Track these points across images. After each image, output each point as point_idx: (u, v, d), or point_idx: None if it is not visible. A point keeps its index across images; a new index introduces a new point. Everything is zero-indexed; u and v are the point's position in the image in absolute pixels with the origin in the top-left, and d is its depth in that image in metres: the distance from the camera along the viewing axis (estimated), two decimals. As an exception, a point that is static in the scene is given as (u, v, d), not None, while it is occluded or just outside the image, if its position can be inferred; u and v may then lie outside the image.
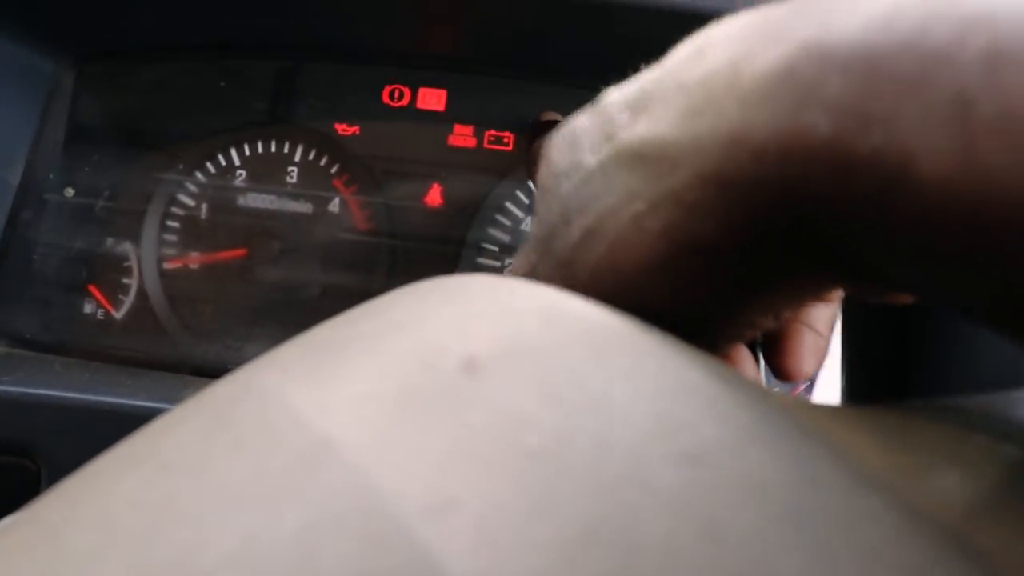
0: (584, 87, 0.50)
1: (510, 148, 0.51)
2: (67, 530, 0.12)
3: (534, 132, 0.49)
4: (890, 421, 0.15)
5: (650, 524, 0.11)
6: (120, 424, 0.35)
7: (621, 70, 0.48)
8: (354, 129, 0.52)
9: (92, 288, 0.52)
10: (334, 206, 0.52)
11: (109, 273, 0.52)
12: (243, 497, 0.12)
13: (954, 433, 0.15)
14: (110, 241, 0.52)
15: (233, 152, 0.53)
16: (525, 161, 0.50)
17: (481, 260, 0.51)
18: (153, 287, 0.52)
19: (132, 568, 0.11)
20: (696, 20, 0.39)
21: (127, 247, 0.52)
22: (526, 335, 0.14)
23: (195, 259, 0.52)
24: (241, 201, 0.52)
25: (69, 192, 0.52)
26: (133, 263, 0.52)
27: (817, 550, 0.11)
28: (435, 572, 0.10)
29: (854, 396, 0.47)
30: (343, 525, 0.11)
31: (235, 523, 0.11)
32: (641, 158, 0.17)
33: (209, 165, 0.53)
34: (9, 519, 0.14)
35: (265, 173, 0.52)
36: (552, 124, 0.48)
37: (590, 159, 0.18)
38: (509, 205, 0.51)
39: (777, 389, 0.29)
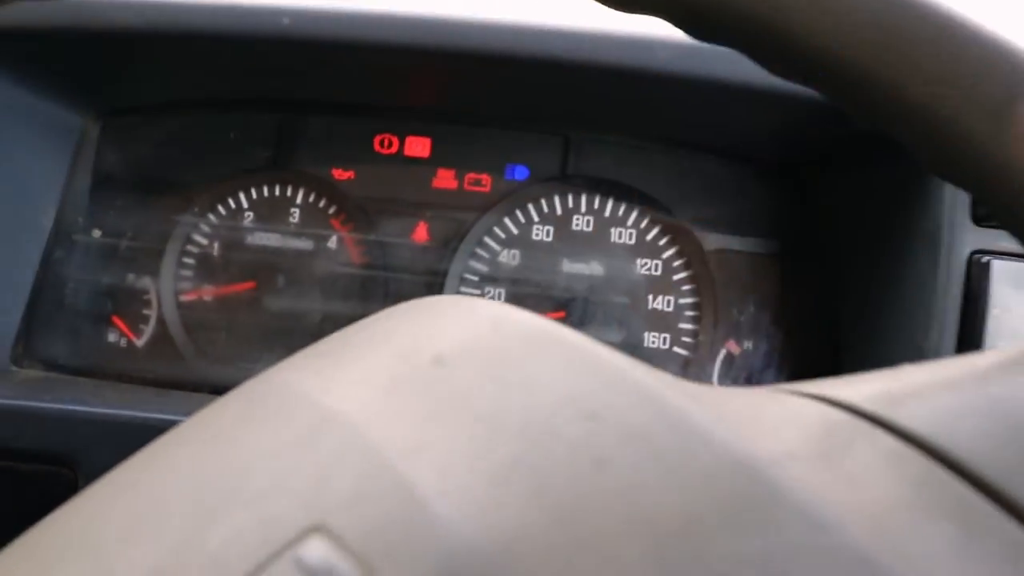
0: (549, 133, 0.57)
1: (487, 189, 0.58)
2: (145, 482, 0.19)
3: None
4: (736, 397, 0.22)
5: (559, 458, 0.17)
6: (149, 436, 0.41)
7: (580, 119, 0.55)
8: (349, 174, 0.59)
9: (116, 319, 0.58)
10: (332, 243, 0.58)
11: (132, 305, 0.58)
12: (273, 452, 0.18)
13: (789, 405, 0.21)
14: (132, 276, 0.59)
15: (241, 196, 0.59)
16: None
17: (463, 289, 0.57)
18: (171, 317, 0.58)
19: (196, 498, 0.17)
20: (648, 79, 0.46)
21: (147, 282, 0.59)
22: (478, 337, 0.20)
23: (209, 291, 0.58)
24: (249, 240, 0.59)
25: (96, 233, 0.58)
26: (153, 296, 0.58)
27: (672, 474, 0.17)
28: (411, 493, 0.17)
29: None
30: (346, 465, 0.17)
31: (268, 469, 0.17)
32: None
33: (220, 208, 0.59)
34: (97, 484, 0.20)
35: (270, 214, 0.59)
36: None
37: None
38: (487, 239, 0.58)
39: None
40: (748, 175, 0.56)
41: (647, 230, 0.56)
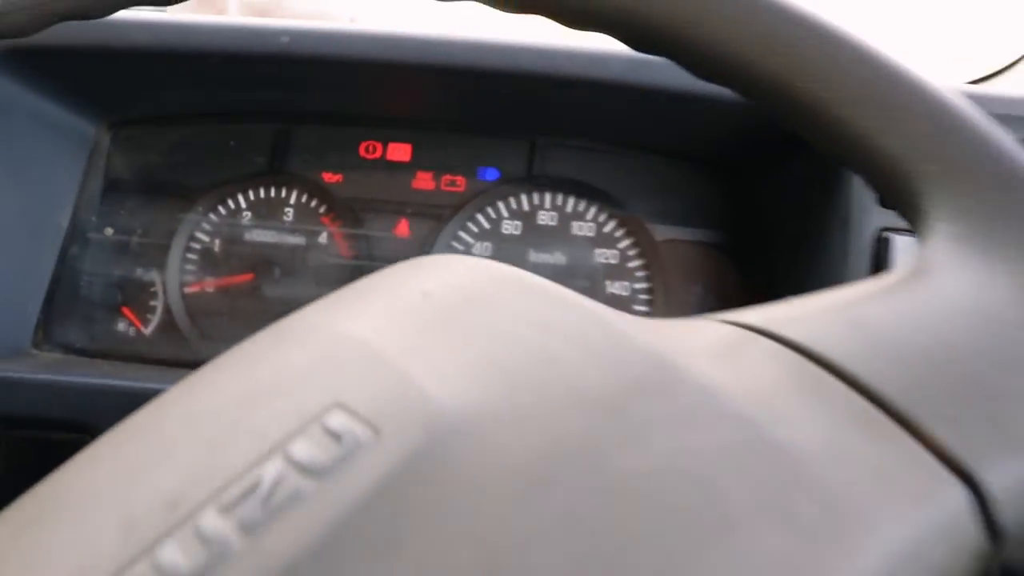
0: (516, 139, 0.64)
1: (462, 189, 0.64)
2: (179, 403, 0.24)
3: None
4: (662, 322, 0.28)
5: (518, 354, 0.23)
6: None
7: (544, 126, 0.62)
8: (337, 177, 0.65)
9: (125, 310, 0.64)
10: (323, 238, 0.65)
11: (140, 295, 0.64)
12: (295, 362, 0.24)
13: (700, 325, 0.28)
14: (140, 270, 0.65)
15: (240, 197, 0.65)
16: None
17: (441, 279, 0.64)
18: (176, 306, 0.64)
19: (230, 401, 0.23)
20: (602, 88, 0.53)
21: (154, 275, 0.65)
22: (458, 276, 0.27)
23: (211, 283, 0.64)
24: (247, 236, 0.65)
25: (108, 231, 0.65)
26: (159, 287, 0.64)
27: (606, 363, 0.22)
28: (407, 378, 0.22)
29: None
30: (356, 363, 0.23)
31: (293, 369, 0.23)
32: None
33: (220, 208, 0.65)
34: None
35: (266, 213, 0.65)
36: None
37: None
38: (462, 233, 0.64)
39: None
40: (694, 172, 0.63)
41: (605, 223, 0.63)
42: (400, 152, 0.66)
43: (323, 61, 0.57)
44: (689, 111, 0.56)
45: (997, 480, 0.22)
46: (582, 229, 0.63)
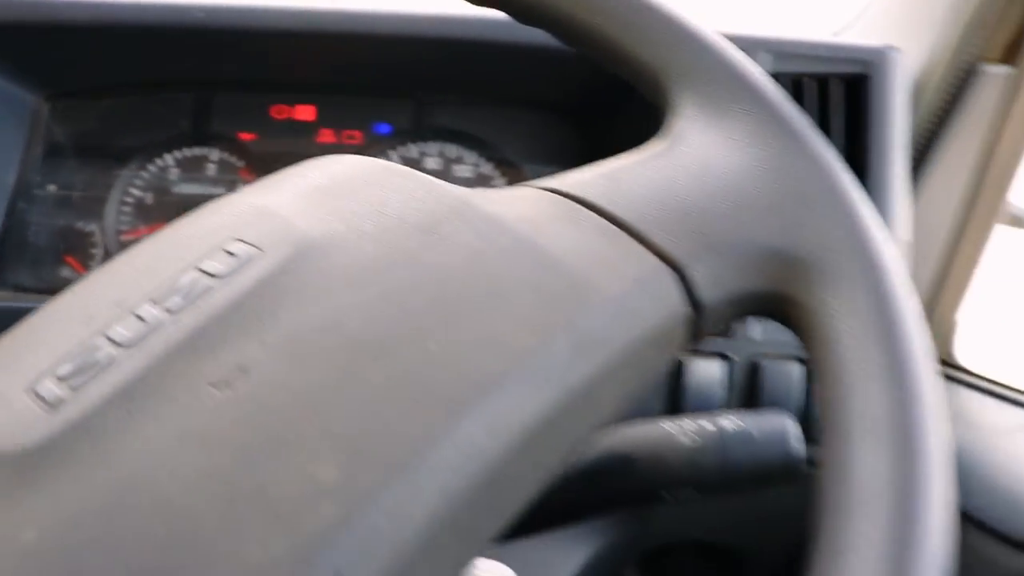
0: (404, 97, 0.75)
1: (360, 142, 0.75)
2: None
3: None
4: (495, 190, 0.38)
5: (368, 207, 0.28)
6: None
7: (427, 84, 0.73)
8: (252, 136, 0.76)
9: (68, 257, 0.74)
10: (241, 189, 0.75)
11: (82, 244, 0.74)
12: (213, 221, 0.30)
13: (516, 190, 0.39)
14: (81, 222, 0.74)
15: (167, 156, 0.75)
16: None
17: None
18: (115, 251, 0.74)
19: (160, 250, 0.31)
20: (470, 47, 0.64)
21: (94, 225, 0.74)
22: (335, 163, 0.32)
23: (144, 230, 0.74)
24: (175, 189, 0.75)
25: (51, 188, 0.74)
26: (98, 236, 0.74)
27: (434, 209, 0.29)
28: (286, 222, 0.27)
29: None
30: (250, 217, 0.29)
31: (207, 223, 0.30)
32: None
33: (150, 166, 0.75)
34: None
35: (191, 169, 0.75)
36: None
37: None
38: (362, 180, 0.75)
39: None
40: (555, 119, 0.74)
41: (481, 166, 0.75)
42: (306, 113, 0.76)
43: (234, 33, 0.67)
44: (543, 65, 0.68)
45: (698, 270, 0.31)
46: (462, 171, 0.74)
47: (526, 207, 0.32)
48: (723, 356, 0.63)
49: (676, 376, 0.63)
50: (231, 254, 0.28)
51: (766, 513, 0.76)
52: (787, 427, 0.41)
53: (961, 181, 0.79)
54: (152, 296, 0.27)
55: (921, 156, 0.79)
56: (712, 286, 0.31)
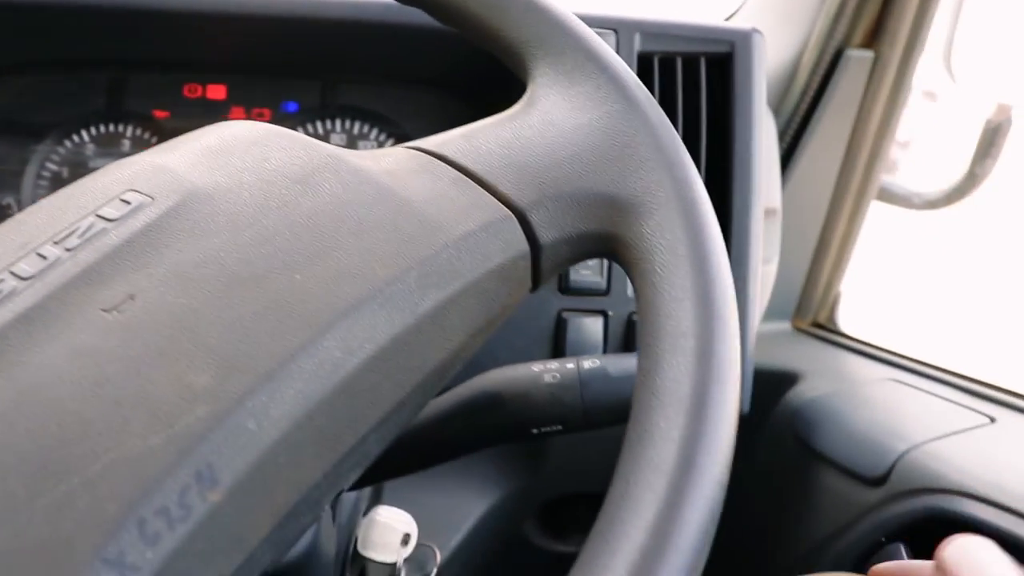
0: (311, 78, 0.79)
1: (268, 119, 0.79)
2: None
3: None
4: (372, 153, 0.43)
5: (251, 162, 0.32)
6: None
7: (331, 66, 0.77)
8: (166, 114, 0.79)
9: (-13, 229, 0.77)
10: (154, 162, 0.78)
11: (-1, 215, 0.77)
12: (114, 176, 0.33)
13: (387, 151, 0.43)
14: (-1, 195, 0.77)
15: (83, 132, 0.78)
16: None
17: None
18: (31, 222, 0.77)
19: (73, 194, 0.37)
20: (364, 29, 0.69)
21: (11, 199, 0.77)
22: (229, 127, 0.35)
23: (60, 202, 0.77)
24: (91, 164, 0.78)
25: (-31, 162, 0.77)
26: (15, 210, 0.77)
27: (308, 163, 0.33)
28: (177, 174, 0.31)
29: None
30: (146, 171, 0.31)
31: (109, 177, 0.33)
32: None
33: (67, 142, 0.78)
34: None
35: (106, 144, 0.78)
36: None
37: None
38: (270, 155, 0.79)
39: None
40: (451, 98, 0.79)
41: (384, 141, 0.79)
42: (217, 92, 0.80)
43: (149, 14, 0.71)
44: (439, 47, 0.72)
45: (538, 215, 0.35)
46: (366, 146, 0.79)
47: (391, 162, 0.36)
48: (602, 313, 0.68)
49: (559, 331, 0.68)
50: (126, 202, 0.31)
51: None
52: None
53: (835, 158, 0.86)
54: (54, 238, 0.30)
55: (796, 136, 0.85)
56: (550, 228, 0.36)
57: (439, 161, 0.36)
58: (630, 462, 0.29)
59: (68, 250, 0.29)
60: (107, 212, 0.31)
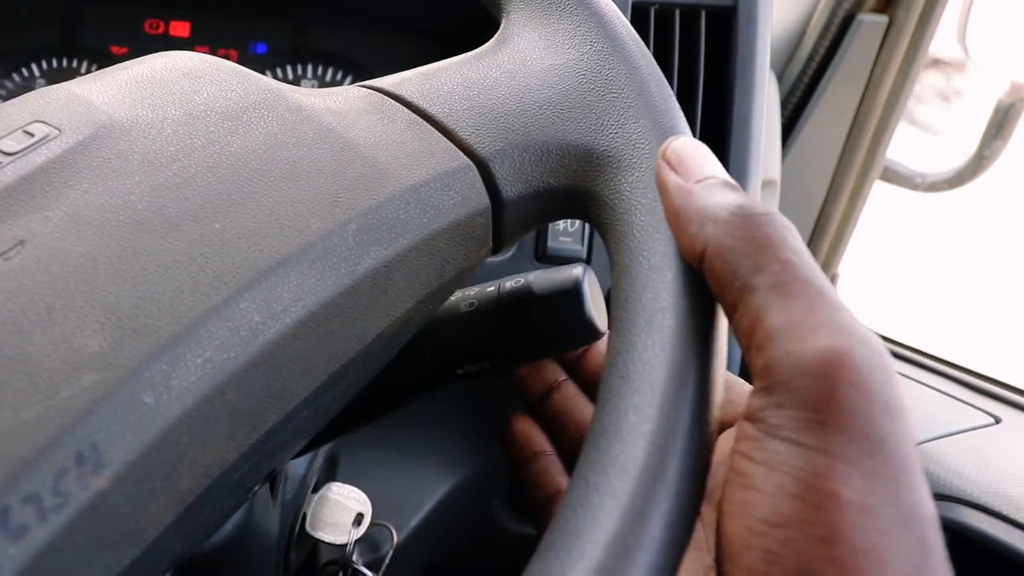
0: (282, 19, 0.73)
1: (235, 60, 0.74)
2: None
3: None
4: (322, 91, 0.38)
5: (179, 94, 0.29)
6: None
7: (305, 5, 0.72)
8: (124, 50, 0.74)
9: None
10: (109, 102, 0.73)
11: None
12: (23, 105, 0.29)
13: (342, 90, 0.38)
14: (-60, 130, 0.72)
15: (34, 66, 0.73)
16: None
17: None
18: (-26, 161, 0.71)
19: None
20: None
21: (-47, 135, 0.72)
22: (166, 61, 0.33)
23: (6, 141, 0.72)
24: (40, 101, 0.73)
25: (-93, 93, 0.71)
26: (-42, 146, 0.72)
27: (243, 98, 0.29)
28: (90, 104, 0.27)
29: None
30: (57, 102, 0.28)
31: (17, 106, 0.29)
32: None
33: (15, 75, 0.73)
34: None
35: (59, 80, 0.72)
36: None
37: None
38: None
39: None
40: (429, 45, 0.73)
41: (358, 90, 0.74)
42: (180, 29, 0.74)
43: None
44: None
45: (502, 166, 0.31)
46: (338, 95, 0.73)
47: (339, 101, 0.32)
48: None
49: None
50: (29, 134, 0.27)
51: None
52: (575, 278, 0.38)
53: (840, 129, 0.81)
54: None
55: (800, 104, 0.80)
56: (515, 181, 0.32)
57: (393, 101, 0.33)
58: (592, 460, 0.25)
59: None
60: (6, 144, 0.27)
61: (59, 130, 0.27)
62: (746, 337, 0.25)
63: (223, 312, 0.24)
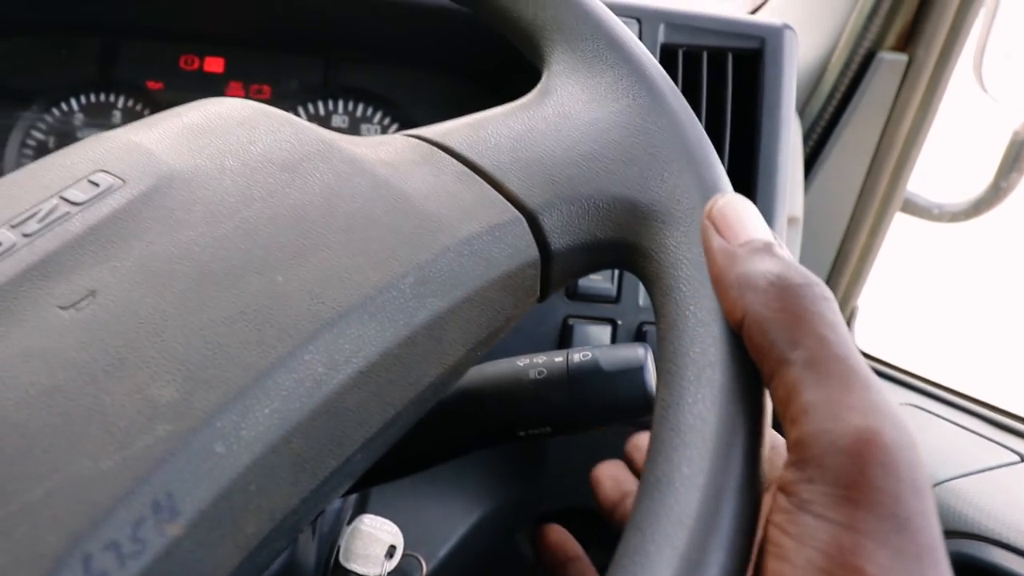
0: (314, 55, 0.75)
1: (268, 96, 0.75)
2: None
3: None
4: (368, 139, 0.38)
5: (236, 145, 0.30)
6: None
7: (336, 44, 0.73)
8: (159, 85, 0.75)
9: (-34, 198, 0.73)
10: (145, 137, 0.74)
11: (-21, 185, 0.73)
12: (84, 154, 0.30)
13: (388, 139, 0.39)
14: (-20, 163, 0.73)
15: (72, 101, 0.75)
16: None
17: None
18: (12, 193, 0.73)
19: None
20: (391, 10, 0.65)
21: (-7, 167, 0.74)
22: (216, 105, 0.33)
23: (44, 174, 0.74)
24: (79, 134, 0.74)
25: (-51, 126, 0.73)
26: (-3, 178, 0.73)
27: (297, 149, 0.31)
28: (152, 155, 0.29)
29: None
30: (118, 150, 0.29)
31: (79, 155, 0.30)
32: None
33: (54, 110, 0.74)
34: None
35: (96, 115, 0.74)
36: None
37: None
38: (268, 135, 0.75)
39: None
40: (459, 83, 0.75)
41: (388, 125, 0.75)
42: (215, 65, 0.76)
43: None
44: (451, 29, 0.68)
45: (550, 218, 0.32)
46: (369, 130, 0.75)
47: (389, 151, 0.33)
48: (610, 321, 0.64)
49: (564, 339, 0.64)
50: (94, 184, 0.28)
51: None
52: (640, 358, 0.40)
53: (861, 166, 0.82)
54: (11, 221, 0.27)
55: (821, 140, 0.81)
56: (563, 233, 0.32)
57: (443, 152, 0.33)
58: (646, 510, 0.25)
59: (26, 236, 0.26)
60: (72, 194, 0.28)
61: (123, 180, 0.29)
62: (781, 406, 0.26)
63: (289, 364, 0.25)
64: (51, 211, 0.27)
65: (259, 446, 0.24)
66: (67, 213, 0.27)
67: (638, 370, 0.39)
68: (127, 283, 0.26)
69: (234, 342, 0.25)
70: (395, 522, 0.56)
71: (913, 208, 0.95)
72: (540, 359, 0.41)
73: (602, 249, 0.33)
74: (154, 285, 0.26)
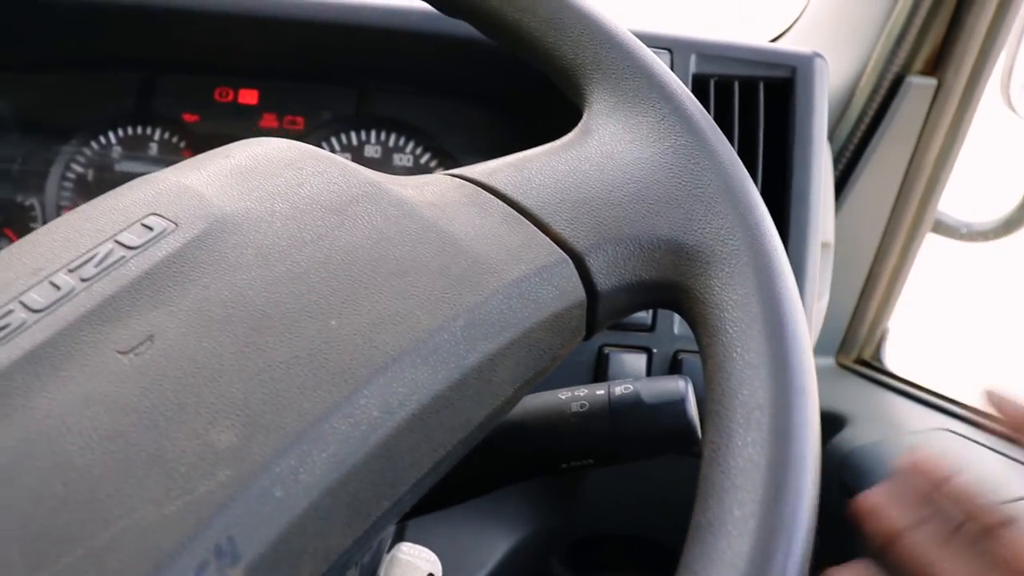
0: (346, 86, 0.76)
1: (301, 127, 0.76)
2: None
3: None
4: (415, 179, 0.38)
5: (284, 187, 0.31)
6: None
7: (369, 75, 0.74)
8: (195, 117, 0.77)
9: (7, 230, 0.74)
10: (182, 168, 0.76)
11: (21, 217, 0.74)
12: (135, 196, 0.30)
13: (434, 179, 0.40)
14: (21, 195, 0.75)
15: (110, 134, 0.76)
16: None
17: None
18: (53, 225, 0.74)
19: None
20: (425, 41, 0.66)
21: (34, 200, 0.75)
22: (259, 145, 0.33)
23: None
24: (117, 167, 0.75)
25: (-8, 161, 0.75)
26: (38, 210, 0.75)
27: (345, 192, 0.31)
28: (202, 198, 0.29)
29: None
30: (168, 193, 0.29)
31: (130, 197, 0.30)
32: None
33: (93, 143, 0.76)
34: None
35: (134, 147, 0.76)
36: None
37: None
38: (302, 165, 0.76)
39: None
40: (491, 113, 0.76)
41: (421, 156, 0.76)
42: (249, 97, 0.77)
43: (181, 14, 0.68)
44: (484, 59, 0.69)
45: (596, 259, 0.32)
46: (402, 160, 0.76)
47: (435, 193, 0.33)
48: (646, 350, 0.65)
49: (600, 367, 0.65)
50: (148, 228, 0.29)
51: (691, 503, 0.78)
52: (681, 391, 0.40)
53: (890, 189, 0.82)
54: (69, 265, 0.27)
55: (850, 164, 0.81)
56: (609, 274, 0.33)
57: (488, 193, 0.34)
58: (699, 553, 0.26)
59: (84, 280, 0.27)
60: (127, 238, 0.28)
61: (175, 224, 0.29)
62: None
63: (344, 408, 0.26)
64: (107, 255, 0.28)
65: (316, 490, 0.25)
66: (123, 257, 0.28)
67: (679, 402, 0.40)
68: (184, 327, 0.26)
69: (291, 387, 0.26)
70: (432, 549, 0.56)
71: (941, 227, 0.94)
72: (582, 392, 0.42)
73: (647, 289, 0.34)
74: (210, 329, 0.26)
